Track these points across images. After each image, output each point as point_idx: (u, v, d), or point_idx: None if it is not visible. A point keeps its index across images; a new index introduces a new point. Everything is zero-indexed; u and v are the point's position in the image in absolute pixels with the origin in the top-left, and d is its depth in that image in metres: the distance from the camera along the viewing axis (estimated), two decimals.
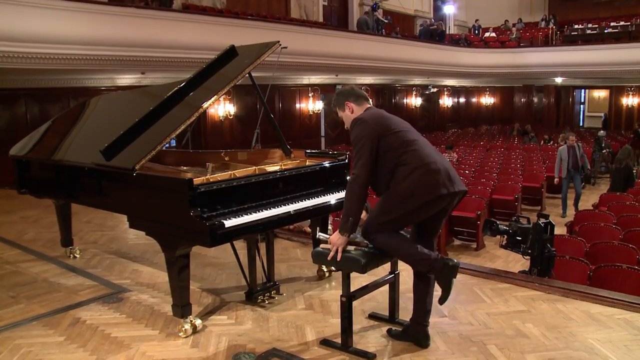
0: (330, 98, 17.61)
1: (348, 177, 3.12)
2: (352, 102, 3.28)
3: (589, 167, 11.50)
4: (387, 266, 3.50)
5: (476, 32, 23.50)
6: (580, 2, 24.23)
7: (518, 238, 5.07)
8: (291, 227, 5.96)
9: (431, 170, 2.99)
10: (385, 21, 18.30)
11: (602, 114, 23.51)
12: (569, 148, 10.59)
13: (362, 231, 3.18)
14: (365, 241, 3.19)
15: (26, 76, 10.30)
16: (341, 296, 3.25)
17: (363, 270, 3.09)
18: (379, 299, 3.95)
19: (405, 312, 3.66)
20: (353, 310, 3.30)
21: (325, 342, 3.42)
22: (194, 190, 3.26)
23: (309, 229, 5.60)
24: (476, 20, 24.09)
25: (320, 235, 3.38)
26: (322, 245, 3.23)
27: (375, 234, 3.12)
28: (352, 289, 3.26)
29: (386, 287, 3.62)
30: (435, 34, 19.82)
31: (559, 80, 21.83)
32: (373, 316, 3.79)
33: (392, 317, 3.68)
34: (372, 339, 3.47)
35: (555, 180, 10.78)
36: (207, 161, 4.26)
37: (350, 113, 3.28)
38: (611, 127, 21.66)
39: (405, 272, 4.65)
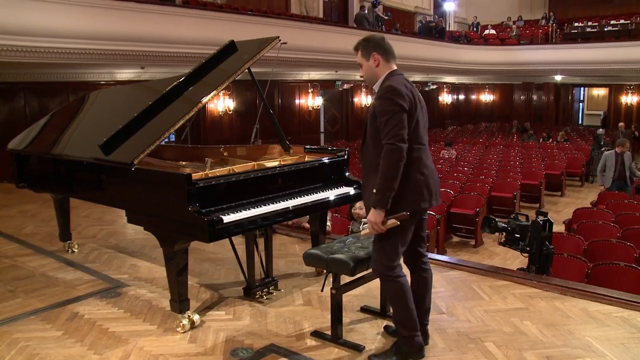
0: (329, 93, 17.63)
1: (389, 147, 2.76)
2: (379, 54, 3.02)
3: (637, 176, 9.71)
4: None
5: (474, 29, 23.49)
6: (580, 0, 24.19)
7: (516, 235, 5.08)
8: (290, 222, 5.96)
9: (433, 181, 3.00)
10: (386, 17, 18.27)
11: (602, 112, 23.51)
12: (617, 155, 9.33)
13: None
14: (406, 212, 2.89)
15: (25, 70, 10.28)
16: (331, 289, 3.27)
17: (352, 273, 3.16)
18: (376, 294, 3.94)
19: None
20: (350, 306, 3.31)
21: (316, 334, 3.45)
22: (192, 185, 3.26)
23: (307, 225, 5.60)
24: (474, 17, 24.09)
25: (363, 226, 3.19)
26: (362, 232, 3.06)
27: (392, 279, 3.00)
28: (343, 282, 3.31)
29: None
30: (434, 30, 19.80)
31: (558, 78, 21.83)
32: (365, 309, 3.80)
33: (383, 310, 3.71)
34: (369, 335, 3.47)
35: (601, 187, 9.61)
36: (206, 156, 4.26)
37: (375, 66, 3.03)
38: (610, 126, 21.65)
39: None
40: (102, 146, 3.71)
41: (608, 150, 14.72)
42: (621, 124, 16.31)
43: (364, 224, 3.18)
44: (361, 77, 3.15)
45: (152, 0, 10.47)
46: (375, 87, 3.06)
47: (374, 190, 2.84)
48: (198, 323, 3.64)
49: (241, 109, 14.73)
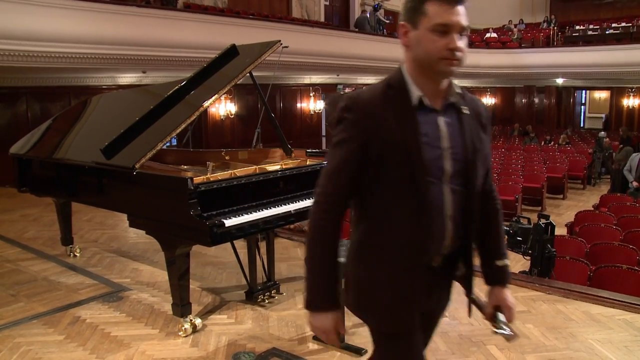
0: (331, 98, 17.65)
1: None
2: None
3: None
4: None
5: None
6: (581, 3, 24.19)
7: (518, 238, 5.07)
8: (292, 226, 5.96)
9: None
10: (387, 21, 18.29)
11: (603, 115, 23.50)
12: None
13: None
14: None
15: (27, 75, 10.30)
16: None
17: None
18: None
19: None
20: None
21: (318, 338, 3.43)
22: (194, 189, 3.26)
23: None
24: None
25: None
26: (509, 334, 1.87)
27: None
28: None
29: None
30: None
31: (560, 81, 21.81)
32: None
33: None
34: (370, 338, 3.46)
35: (635, 183, 8.94)
36: (208, 160, 4.25)
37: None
38: (612, 128, 21.63)
39: None
40: (104, 150, 3.71)
41: (609, 152, 14.75)
42: (603, 134, 15.90)
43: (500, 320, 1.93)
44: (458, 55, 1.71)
45: (154, 4, 10.50)
46: (456, 89, 1.79)
47: (506, 261, 1.95)
48: (200, 327, 3.64)
49: (242, 113, 14.75)
